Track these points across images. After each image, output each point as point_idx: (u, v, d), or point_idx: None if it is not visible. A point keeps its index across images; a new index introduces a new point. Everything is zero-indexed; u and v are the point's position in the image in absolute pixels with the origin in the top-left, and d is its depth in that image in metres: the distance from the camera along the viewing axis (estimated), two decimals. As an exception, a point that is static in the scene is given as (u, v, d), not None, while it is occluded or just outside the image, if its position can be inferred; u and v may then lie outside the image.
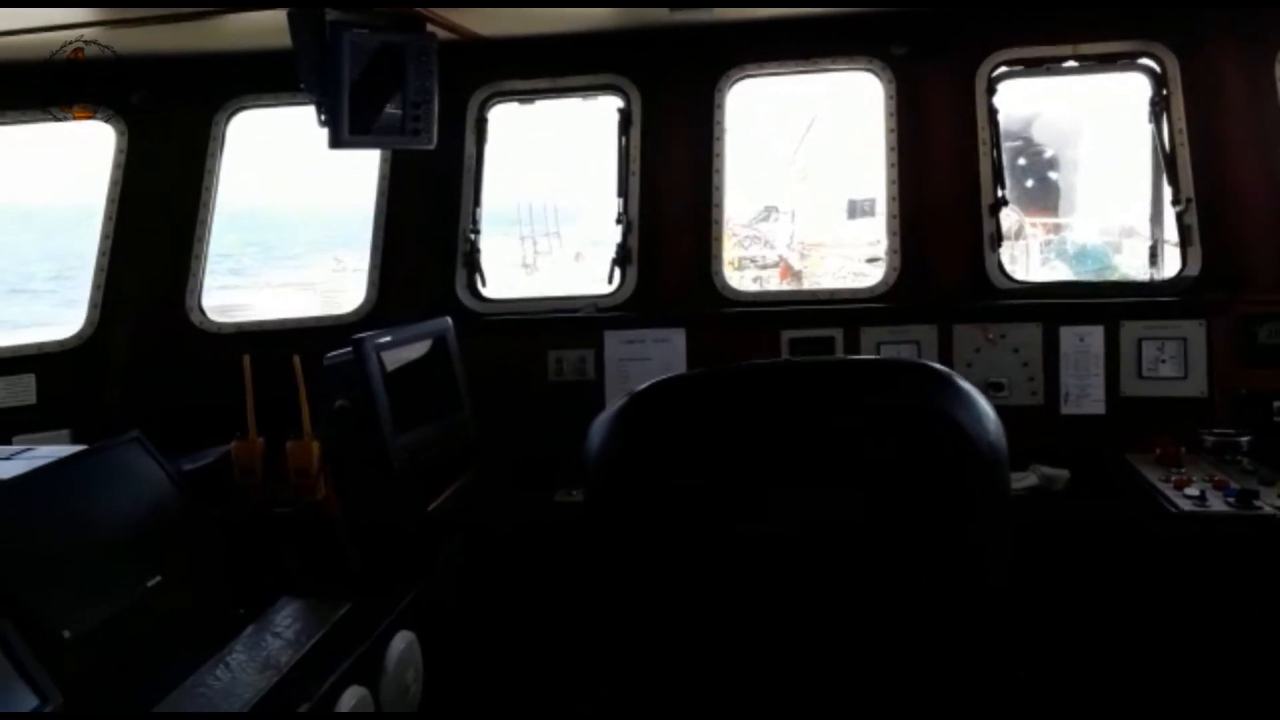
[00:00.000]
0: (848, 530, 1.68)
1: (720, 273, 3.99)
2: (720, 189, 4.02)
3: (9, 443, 3.27)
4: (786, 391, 1.67)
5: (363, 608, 2.60)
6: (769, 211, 25.96)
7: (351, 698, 2.26)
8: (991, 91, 3.80)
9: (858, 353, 3.70)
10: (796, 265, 23.90)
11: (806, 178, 29.17)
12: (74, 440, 3.52)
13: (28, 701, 1.89)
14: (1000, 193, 3.83)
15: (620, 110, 4.09)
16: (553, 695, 3.12)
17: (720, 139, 4.02)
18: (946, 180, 3.83)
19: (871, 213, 29.76)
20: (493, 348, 3.86)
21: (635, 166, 4.04)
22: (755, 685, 1.69)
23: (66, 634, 2.15)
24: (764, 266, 22.73)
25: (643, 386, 1.80)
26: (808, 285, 18.65)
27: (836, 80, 4.34)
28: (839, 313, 3.87)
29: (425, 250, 4.11)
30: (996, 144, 3.82)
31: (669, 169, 4.03)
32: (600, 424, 1.75)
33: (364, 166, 4.17)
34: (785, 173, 29.59)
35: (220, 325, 3.99)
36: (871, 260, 24.23)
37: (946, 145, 3.83)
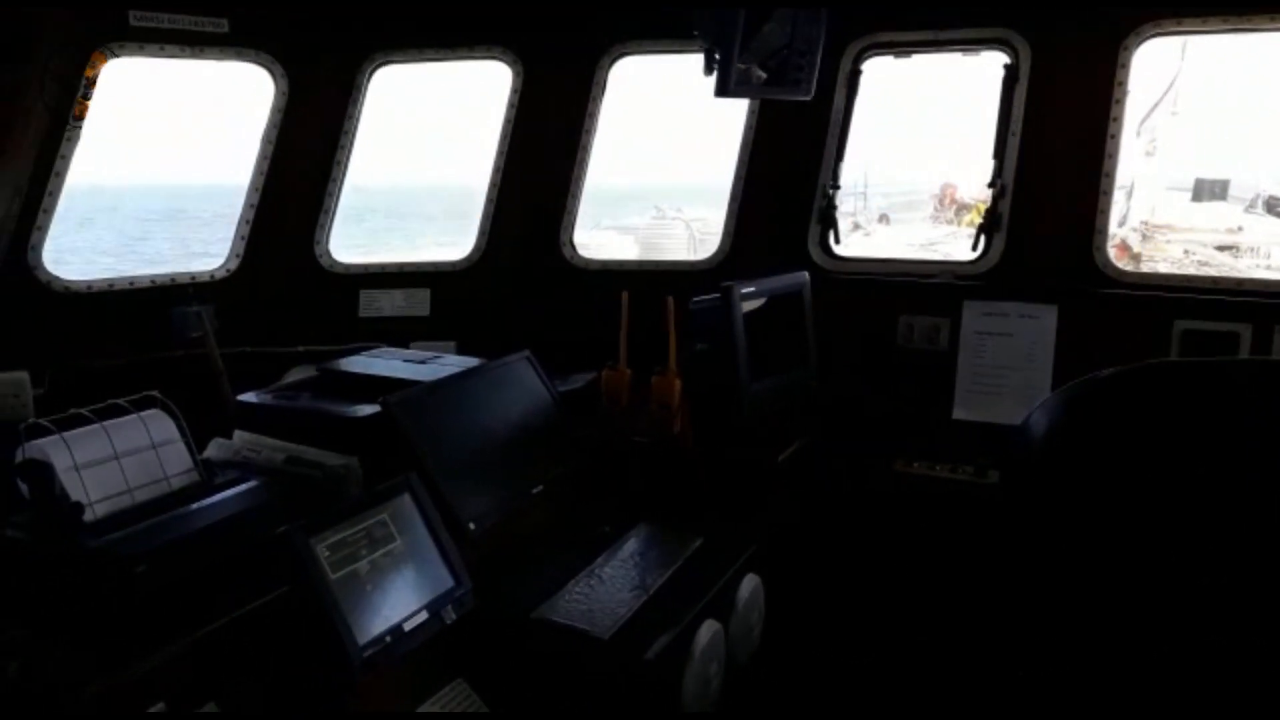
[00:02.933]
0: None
1: (1104, 248, 3.64)
2: (1114, 156, 3.64)
3: (406, 347, 3.71)
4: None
5: (714, 545, 2.69)
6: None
7: (708, 631, 2.35)
8: None
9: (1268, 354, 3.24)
10: (1135, 247, 21.54)
11: (1153, 152, 25.87)
12: (459, 351, 3.92)
13: (446, 581, 2.14)
14: None
15: (1006, 66, 3.82)
16: (877, 656, 3.09)
17: (1121, 101, 3.64)
18: None
19: (1223, 196, 26.02)
20: (841, 307, 3.80)
21: (1017, 127, 3.77)
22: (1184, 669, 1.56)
23: (471, 526, 2.41)
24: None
25: (1106, 373, 1.66)
26: (1191, 271, 16.61)
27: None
28: (1247, 305, 3.39)
29: (780, 203, 4.10)
30: None
31: (1056, 131, 3.72)
32: (1051, 407, 1.64)
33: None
34: (1130, 144, 26.35)
35: (588, 261, 4.25)
36: (1225, 249, 21.34)
37: None
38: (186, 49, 3.80)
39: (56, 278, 3.70)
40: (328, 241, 4.27)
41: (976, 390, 3.58)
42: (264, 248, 4.15)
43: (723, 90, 3.23)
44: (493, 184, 4.25)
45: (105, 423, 2.14)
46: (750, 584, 2.63)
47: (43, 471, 1.96)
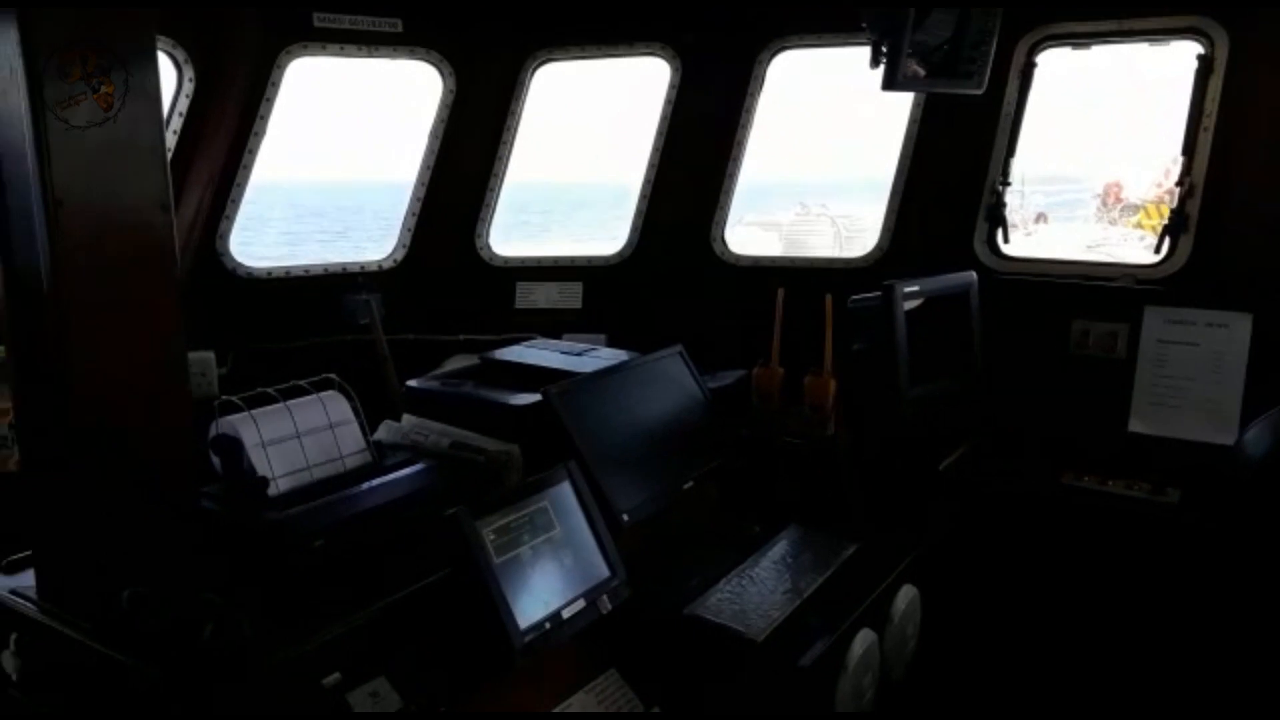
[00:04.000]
0: None
1: (1313, 255, 3.32)
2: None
3: (558, 338, 3.77)
4: None
5: (869, 552, 2.61)
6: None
7: (863, 641, 2.28)
8: None
9: None
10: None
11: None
12: (609, 344, 3.96)
13: (603, 572, 2.15)
14: None
15: (1200, 57, 3.54)
16: (1038, 678, 2.93)
17: (1333, 93, 3.32)
18: None
19: None
20: (1009, 309, 3.62)
21: (1210, 122, 3.49)
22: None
23: (625, 518, 2.42)
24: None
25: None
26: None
27: None
28: None
29: (944, 200, 3.95)
30: None
31: (1255, 127, 3.42)
32: (1274, 426, 1.51)
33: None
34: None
35: (738, 257, 4.21)
36: None
37: None
38: (363, 48, 3.98)
39: (241, 264, 3.95)
40: (488, 235, 4.39)
41: (1156, 402, 3.34)
42: (428, 240, 4.32)
43: (890, 84, 3.13)
44: (646, 180, 4.27)
45: (289, 402, 2.26)
46: (907, 595, 2.54)
47: (233, 446, 2.09)
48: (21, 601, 1.87)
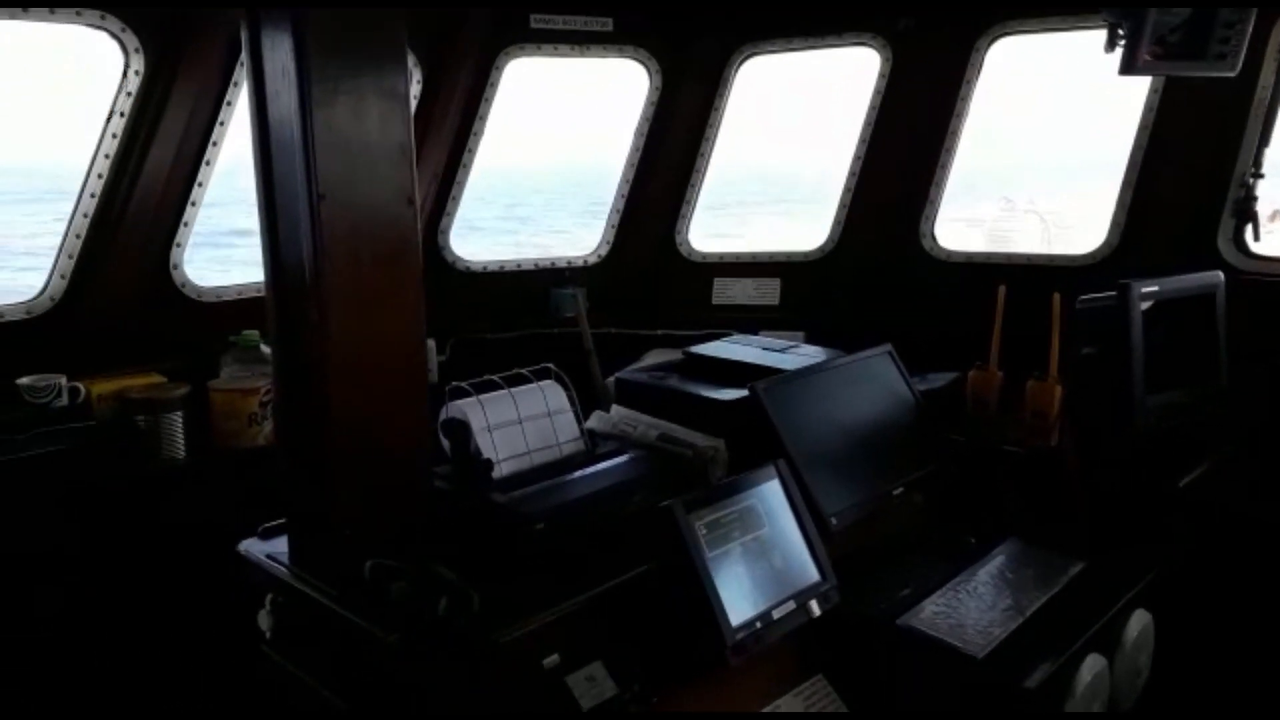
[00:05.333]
0: None
1: None
2: None
3: (755, 335, 3.73)
4: None
5: (1097, 573, 2.43)
6: None
7: (1092, 666, 2.13)
8: None
9: None
10: None
11: None
12: (807, 342, 3.89)
13: (812, 575, 2.11)
14: None
15: None
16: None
17: None
18: None
19: None
20: (1259, 313, 3.28)
21: None
22: None
23: (833, 521, 2.36)
24: None
25: None
26: None
27: None
28: None
29: (1184, 192, 3.62)
30: None
31: None
32: None
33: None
34: None
35: (949, 253, 4.03)
36: None
37: None
38: (575, 48, 4.09)
39: (460, 258, 4.17)
40: (688, 231, 4.42)
41: None
42: (631, 235, 4.39)
43: (1129, 68, 2.88)
44: (851, 172, 4.16)
45: (512, 389, 2.35)
46: (1140, 620, 2.34)
47: (462, 430, 2.20)
48: (276, 565, 2.04)
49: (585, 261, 4.43)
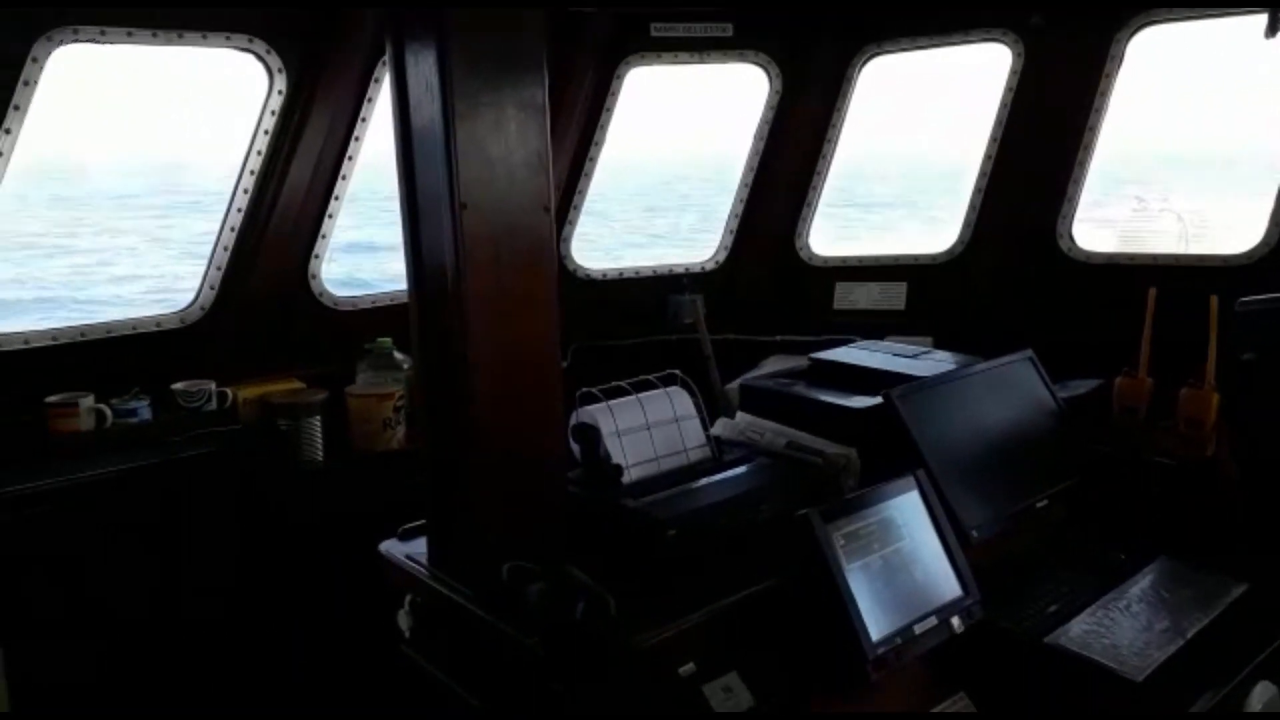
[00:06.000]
0: None
1: None
2: None
3: (881, 340, 3.64)
4: None
5: (1264, 595, 2.26)
6: None
7: (1263, 694, 1.98)
8: None
9: None
10: None
11: None
12: (935, 347, 3.77)
13: (954, 589, 2.03)
14: None
15: None
16: None
17: None
18: None
19: None
20: None
21: None
22: None
23: (974, 534, 2.27)
24: None
25: None
26: None
27: None
28: None
29: None
30: None
31: None
32: None
33: None
34: None
35: (1089, 254, 3.85)
36: None
37: None
38: (695, 55, 4.09)
39: (580, 266, 4.21)
40: (808, 235, 4.35)
41: None
42: (749, 241, 4.35)
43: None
44: (982, 172, 4.02)
45: (639, 395, 2.36)
46: (1315, 647, 2.17)
47: (591, 434, 2.21)
48: (416, 566, 2.09)
49: (703, 268, 4.41)
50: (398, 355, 3.41)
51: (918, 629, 1.92)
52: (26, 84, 2.82)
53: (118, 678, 2.90)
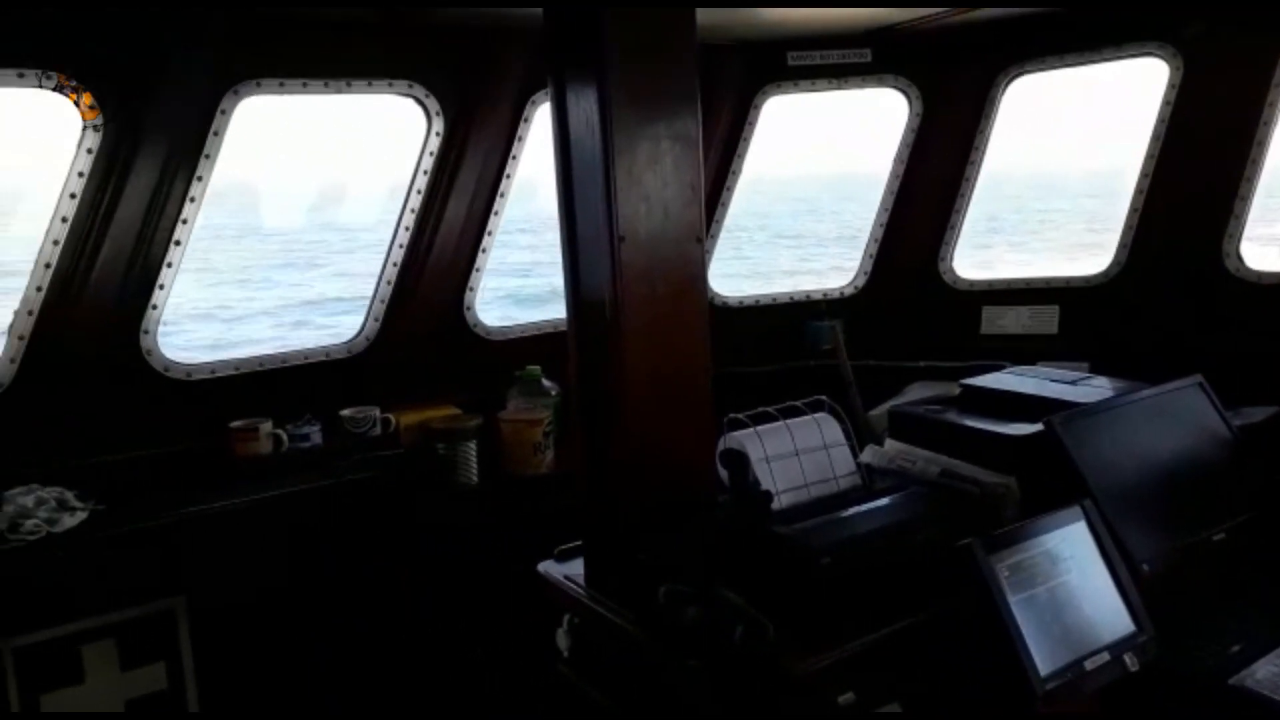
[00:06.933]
0: None
1: None
2: None
3: (1033, 365, 3.51)
4: None
5: None
6: None
7: None
8: None
9: None
10: None
11: None
12: (1091, 372, 3.61)
13: (1126, 625, 1.95)
14: None
15: None
16: None
17: None
18: None
19: None
20: None
21: None
22: None
23: (1145, 567, 2.16)
24: None
25: None
26: None
27: None
28: None
29: None
30: None
31: None
32: None
33: None
34: None
35: (1260, 275, 3.63)
36: None
37: None
38: (832, 81, 4.09)
39: (717, 294, 4.25)
40: (952, 258, 4.26)
41: None
42: (890, 265, 4.30)
43: None
44: (1139, 190, 3.85)
45: (788, 421, 2.36)
46: None
47: (740, 460, 2.22)
48: (573, 586, 2.15)
49: (841, 293, 4.38)
50: (545, 382, 3.52)
51: (1088, 665, 1.84)
52: (215, 134, 3.08)
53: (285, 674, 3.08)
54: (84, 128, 2.86)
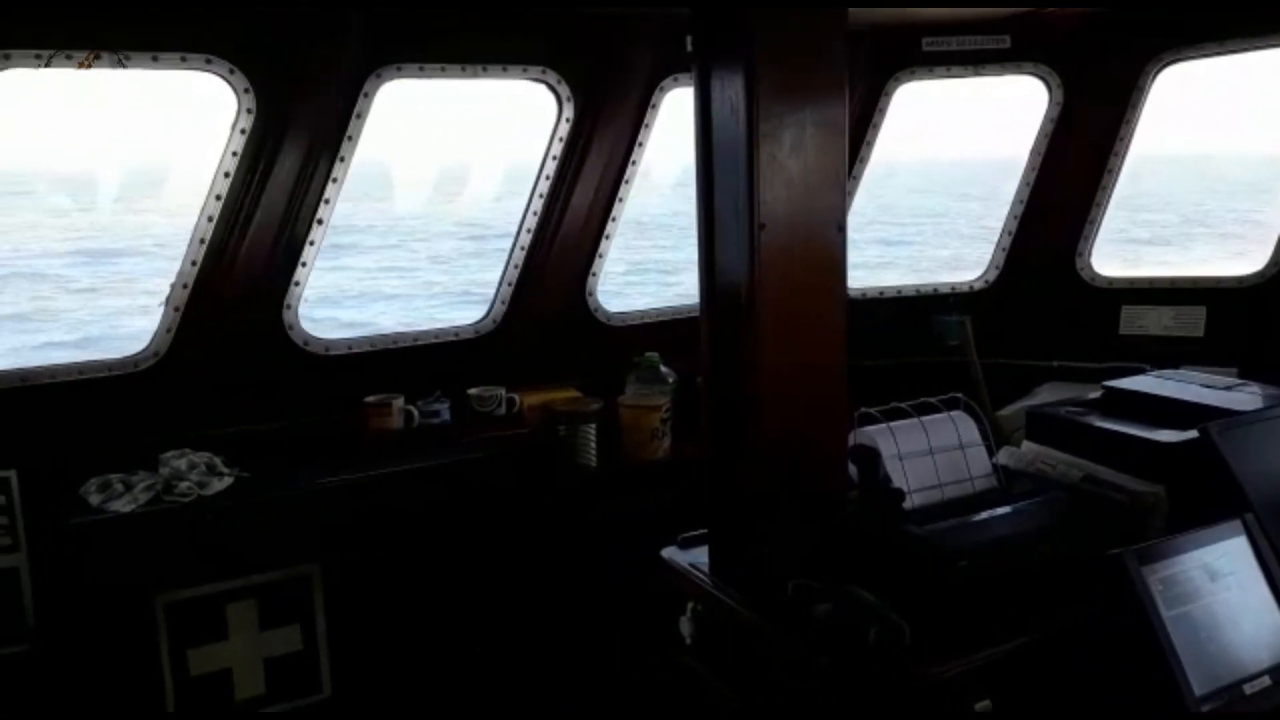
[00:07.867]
0: None
1: None
2: None
3: (1177, 368, 3.32)
4: None
5: None
6: None
7: None
8: None
9: None
10: None
11: None
12: (1241, 378, 3.40)
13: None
14: None
15: None
16: None
17: None
18: None
19: None
20: None
21: None
22: None
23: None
24: None
25: None
26: None
27: None
28: None
29: None
30: None
31: None
32: None
33: None
34: None
35: None
36: None
37: None
38: (969, 68, 3.95)
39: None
40: (1090, 254, 4.07)
41: None
42: (1024, 259, 4.13)
43: None
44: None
45: (922, 418, 2.30)
46: None
47: (871, 457, 2.17)
48: (698, 574, 2.15)
49: (970, 287, 4.24)
50: (663, 369, 3.53)
51: (1248, 689, 1.74)
52: (359, 117, 3.18)
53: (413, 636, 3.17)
54: (239, 110, 3.00)
